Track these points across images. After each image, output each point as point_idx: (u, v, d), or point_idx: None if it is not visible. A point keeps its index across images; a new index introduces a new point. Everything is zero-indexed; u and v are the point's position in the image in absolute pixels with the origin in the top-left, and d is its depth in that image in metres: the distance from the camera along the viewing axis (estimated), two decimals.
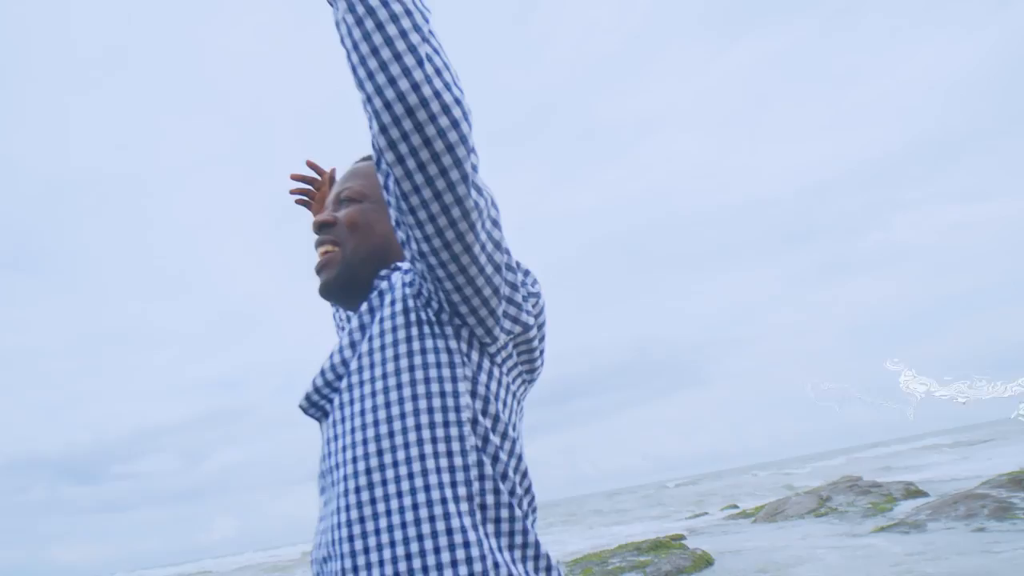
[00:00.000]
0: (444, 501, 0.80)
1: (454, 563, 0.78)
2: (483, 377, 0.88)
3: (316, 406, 0.94)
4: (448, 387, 0.85)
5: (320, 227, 1.02)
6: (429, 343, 0.86)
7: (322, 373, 0.94)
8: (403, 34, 0.76)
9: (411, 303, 0.89)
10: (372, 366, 0.87)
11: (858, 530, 9.49)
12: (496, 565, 0.80)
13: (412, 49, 0.76)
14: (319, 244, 1.03)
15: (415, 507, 0.79)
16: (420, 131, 0.76)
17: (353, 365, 0.89)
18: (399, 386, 0.84)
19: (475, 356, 0.88)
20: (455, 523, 0.79)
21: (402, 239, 0.85)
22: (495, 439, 0.86)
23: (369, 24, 0.76)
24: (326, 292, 1.02)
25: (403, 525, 0.79)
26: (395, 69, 0.75)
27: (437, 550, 0.78)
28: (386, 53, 0.76)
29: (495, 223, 0.86)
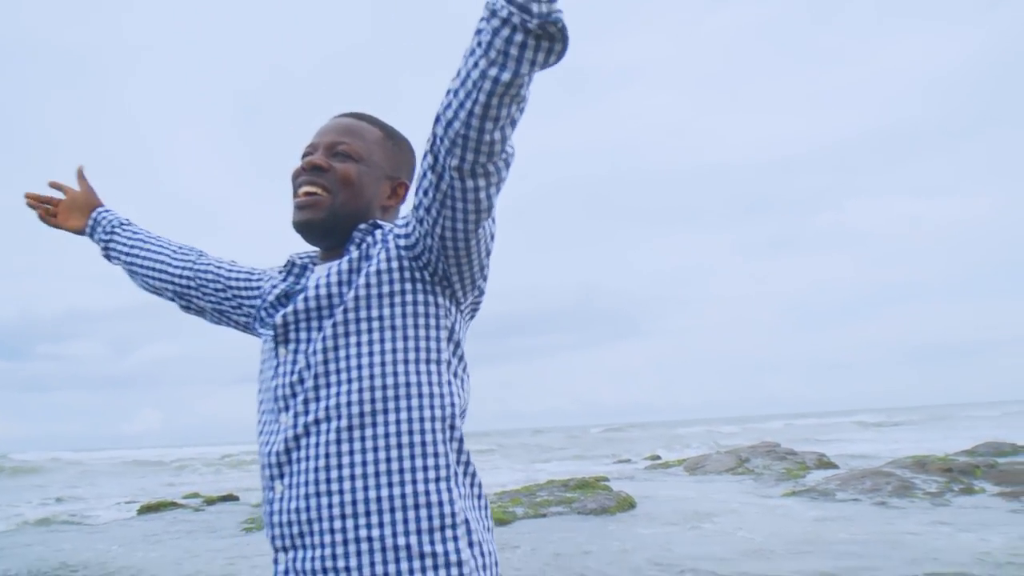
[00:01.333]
0: (422, 420, 1.03)
1: (425, 468, 1.02)
2: (456, 326, 1.12)
3: (285, 327, 1.10)
4: (432, 333, 1.07)
5: (314, 168, 1.15)
6: (420, 297, 1.07)
7: (304, 300, 1.09)
8: (518, 117, 0.93)
9: (406, 263, 1.08)
10: (369, 308, 1.05)
11: (771, 492, 10.08)
12: (455, 474, 1.05)
13: (514, 124, 0.93)
14: (308, 183, 1.15)
15: (397, 423, 1.02)
16: (489, 175, 0.96)
17: (349, 304, 1.05)
18: (393, 328, 1.05)
19: (453, 310, 1.11)
20: (428, 437, 1.03)
21: (425, 218, 1.02)
22: (461, 373, 1.12)
23: (510, 92, 0.87)
24: (306, 229, 1.16)
25: (386, 436, 1.02)
26: (498, 135, 0.91)
27: (412, 456, 1.02)
28: (505, 114, 0.90)
29: (494, 221, 1.08)
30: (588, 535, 6.93)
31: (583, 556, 5.87)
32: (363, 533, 0.98)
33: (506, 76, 0.84)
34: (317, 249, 1.24)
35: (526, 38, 0.82)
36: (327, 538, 0.99)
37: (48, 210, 1.51)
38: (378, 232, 1.14)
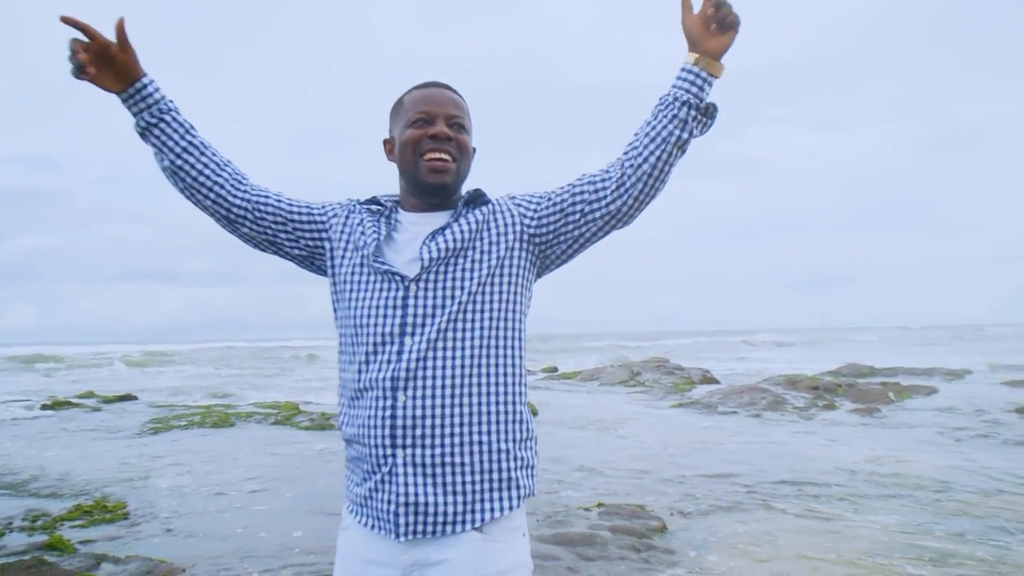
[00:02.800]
0: (517, 356, 1.36)
1: (518, 393, 1.36)
2: (534, 288, 1.42)
3: (428, 267, 1.31)
4: (525, 292, 1.38)
5: (446, 139, 1.37)
6: (527, 264, 1.38)
7: (446, 247, 1.33)
8: (676, 166, 1.37)
9: (526, 235, 1.37)
10: (498, 266, 1.34)
11: (660, 404, 10.89)
12: (525, 411, 1.38)
13: (673, 171, 1.37)
14: (440, 150, 1.37)
15: (503, 356, 1.34)
16: (643, 208, 1.37)
17: (487, 260, 1.33)
18: (510, 283, 1.35)
19: (535, 276, 1.42)
20: (519, 370, 1.36)
21: (573, 215, 1.35)
22: (527, 326, 1.41)
23: (680, 146, 1.32)
24: (440, 190, 1.38)
25: (496, 366, 1.33)
26: (668, 177, 1.35)
27: (513, 383, 1.35)
28: (676, 161, 1.35)
29: None
30: None
31: None
32: (475, 438, 1.29)
33: (684, 135, 1.32)
34: (395, 193, 1.46)
35: (697, 114, 1.32)
36: (447, 440, 1.28)
37: (88, 59, 1.29)
38: (495, 203, 1.40)
